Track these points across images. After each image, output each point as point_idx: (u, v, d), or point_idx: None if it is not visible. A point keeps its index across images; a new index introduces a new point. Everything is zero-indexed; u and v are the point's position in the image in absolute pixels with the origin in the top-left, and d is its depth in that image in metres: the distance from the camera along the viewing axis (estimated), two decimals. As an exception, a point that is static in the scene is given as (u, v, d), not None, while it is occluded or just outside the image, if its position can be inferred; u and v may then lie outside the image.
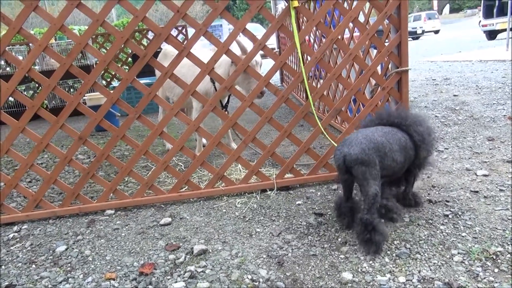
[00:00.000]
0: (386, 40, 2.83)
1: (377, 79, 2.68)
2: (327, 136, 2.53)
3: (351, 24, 3.30)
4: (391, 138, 1.93)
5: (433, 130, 2.14)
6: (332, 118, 2.69)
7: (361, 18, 3.01)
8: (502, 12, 14.11)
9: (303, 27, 3.87)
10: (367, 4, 2.73)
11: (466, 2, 45.92)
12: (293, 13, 2.48)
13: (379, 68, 2.94)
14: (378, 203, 1.82)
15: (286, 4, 2.55)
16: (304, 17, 4.59)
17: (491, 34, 15.12)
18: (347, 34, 3.88)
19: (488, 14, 14.94)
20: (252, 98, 2.57)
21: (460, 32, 25.94)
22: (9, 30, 2.30)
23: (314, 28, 3.89)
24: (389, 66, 2.75)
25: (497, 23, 14.29)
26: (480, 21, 15.94)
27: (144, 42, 9.05)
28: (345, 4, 3.62)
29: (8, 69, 6.86)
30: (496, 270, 1.63)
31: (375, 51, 3.13)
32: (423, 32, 28.68)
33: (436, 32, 29.48)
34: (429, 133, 2.08)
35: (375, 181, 1.81)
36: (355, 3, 3.21)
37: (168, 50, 3.75)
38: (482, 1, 15.63)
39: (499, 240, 1.83)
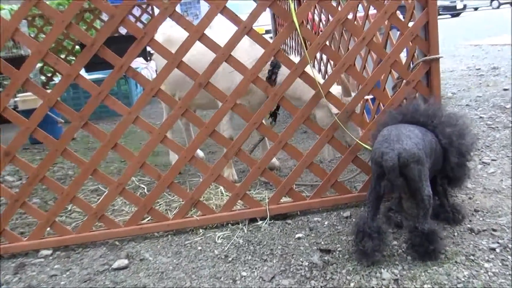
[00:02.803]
0: (411, 21, 2.86)
1: (399, 71, 2.69)
2: (364, 146, 2.56)
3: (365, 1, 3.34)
4: (425, 138, 2.11)
5: (468, 132, 2.30)
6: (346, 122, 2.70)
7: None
8: None
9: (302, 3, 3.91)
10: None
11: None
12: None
13: (402, 56, 2.96)
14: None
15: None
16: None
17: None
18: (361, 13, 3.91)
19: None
20: (234, 99, 2.58)
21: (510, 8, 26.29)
22: None
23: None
24: (415, 53, 2.77)
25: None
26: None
27: (97, 24, 9.07)
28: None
29: None
30: (557, 322, 1.63)
31: (397, 33, 3.15)
32: (465, 7, 28.09)
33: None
34: (460, 136, 2.24)
35: (427, 183, 2.03)
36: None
37: (174, 36, 3.42)
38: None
39: (562, 282, 1.84)
